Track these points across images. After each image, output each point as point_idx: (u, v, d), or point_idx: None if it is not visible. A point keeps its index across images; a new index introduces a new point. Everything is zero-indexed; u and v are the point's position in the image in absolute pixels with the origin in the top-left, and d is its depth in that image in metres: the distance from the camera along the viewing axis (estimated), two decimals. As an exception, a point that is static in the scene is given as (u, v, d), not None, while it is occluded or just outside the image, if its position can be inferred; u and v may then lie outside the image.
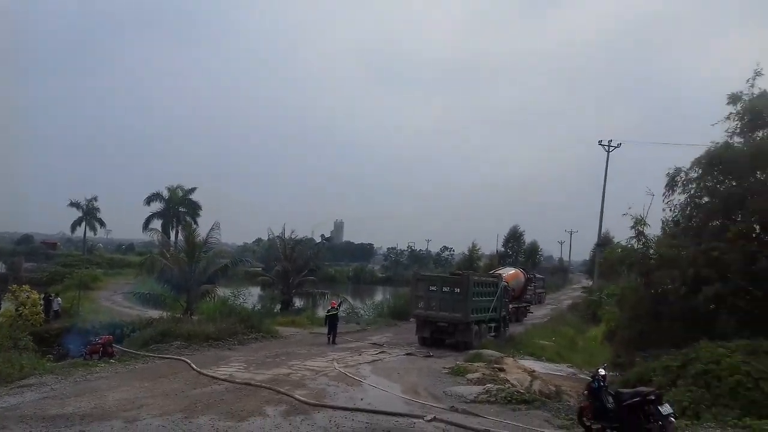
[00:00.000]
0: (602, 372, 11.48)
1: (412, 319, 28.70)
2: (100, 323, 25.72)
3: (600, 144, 57.84)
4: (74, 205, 75.40)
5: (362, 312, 37.18)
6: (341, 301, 33.86)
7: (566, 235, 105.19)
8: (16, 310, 24.89)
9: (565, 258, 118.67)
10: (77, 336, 23.12)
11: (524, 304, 38.84)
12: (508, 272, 35.00)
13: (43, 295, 27.89)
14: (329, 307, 26.09)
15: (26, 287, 26.90)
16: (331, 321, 24.35)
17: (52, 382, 14.41)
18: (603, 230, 60.33)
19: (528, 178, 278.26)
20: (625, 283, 22.61)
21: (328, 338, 23.98)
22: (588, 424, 11.32)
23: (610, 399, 11.19)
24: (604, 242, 58.75)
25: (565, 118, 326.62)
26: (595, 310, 40.23)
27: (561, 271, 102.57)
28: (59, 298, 29.91)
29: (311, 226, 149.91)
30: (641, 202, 20.17)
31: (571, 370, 21.04)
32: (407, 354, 21.65)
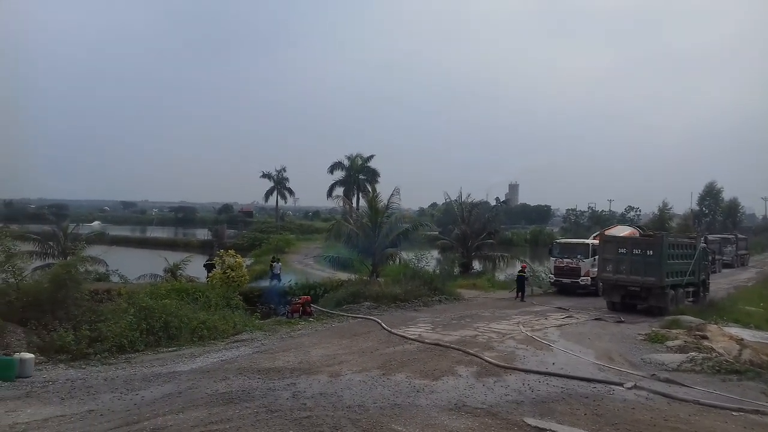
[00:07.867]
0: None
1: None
2: (297, 284, 27.74)
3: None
4: (266, 176, 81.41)
5: (544, 275, 36.28)
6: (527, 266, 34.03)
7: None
8: (224, 272, 27.20)
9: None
10: (278, 296, 25.23)
11: None
12: (622, 232, 27.47)
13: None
14: (519, 268, 28.75)
15: (232, 252, 29.28)
16: (520, 281, 27.25)
17: (261, 338, 15.95)
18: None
19: (728, 129, 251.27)
20: None
21: (517, 295, 26.93)
22: (816, 399, 10.25)
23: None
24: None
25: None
26: (811, 273, 35.98)
27: (767, 231, 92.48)
28: (279, 263, 32.40)
29: (485, 189, 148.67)
30: None
31: (786, 339, 18.94)
32: (596, 319, 20.86)
